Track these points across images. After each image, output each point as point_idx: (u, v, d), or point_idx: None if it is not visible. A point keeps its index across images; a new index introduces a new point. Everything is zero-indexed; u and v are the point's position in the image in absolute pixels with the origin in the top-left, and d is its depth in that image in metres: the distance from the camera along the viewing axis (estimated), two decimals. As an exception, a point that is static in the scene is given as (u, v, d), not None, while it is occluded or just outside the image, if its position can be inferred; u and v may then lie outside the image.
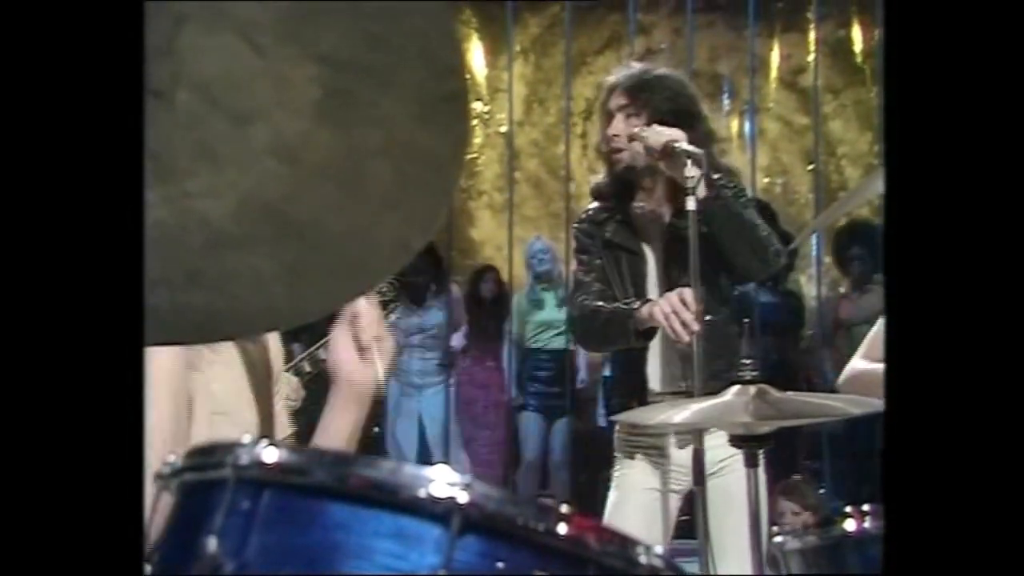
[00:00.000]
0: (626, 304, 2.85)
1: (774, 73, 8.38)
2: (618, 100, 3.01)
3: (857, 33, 8.19)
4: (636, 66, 3.12)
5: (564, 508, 0.83)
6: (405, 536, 0.81)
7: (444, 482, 0.82)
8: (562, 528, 0.82)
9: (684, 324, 2.62)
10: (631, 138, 2.93)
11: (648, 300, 2.81)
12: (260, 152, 0.95)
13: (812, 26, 7.73)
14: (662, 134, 2.82)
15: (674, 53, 7.77)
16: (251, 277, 1.01)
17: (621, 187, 3.04)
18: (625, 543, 0.86)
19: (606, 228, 3.01)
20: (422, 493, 0.81)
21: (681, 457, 2.85)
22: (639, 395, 2.88)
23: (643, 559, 0.85)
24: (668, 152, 2.77)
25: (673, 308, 2.64)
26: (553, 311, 6.61)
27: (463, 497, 0.81)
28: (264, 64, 0.92)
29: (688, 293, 2.63)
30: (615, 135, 2.99)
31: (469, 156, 8.43)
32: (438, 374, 6.37)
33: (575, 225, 3.13)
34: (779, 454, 4.75)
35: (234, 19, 0.91)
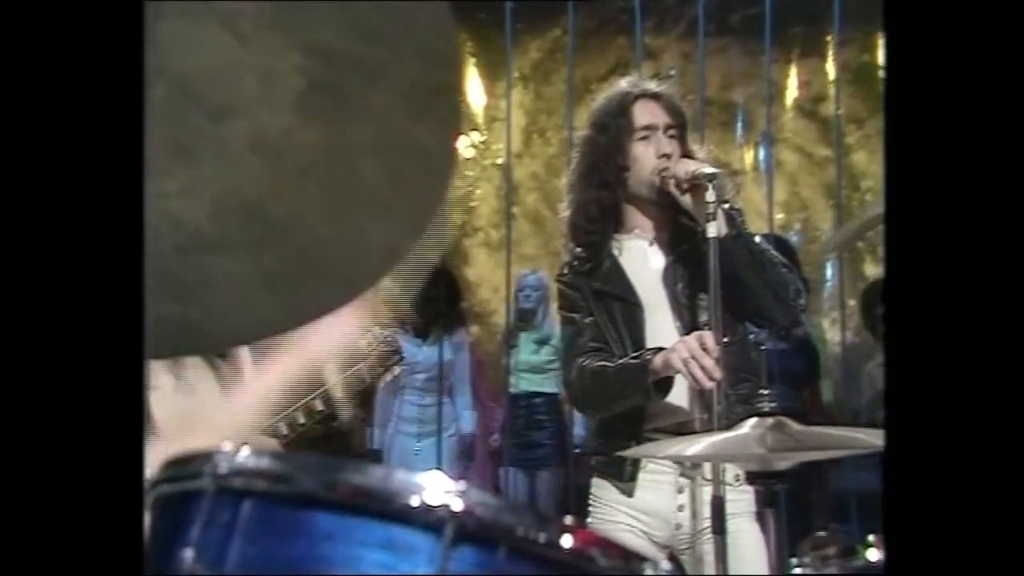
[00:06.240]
0: (635, 357, 2.74)
1: (792, 101, 8.43)
2: (664, 117, 2.89)
3: (882, 58, 8.24)
4: (648, 78, 3.08)
5: (568, 519, 0.84)
6: (396, 546, 0.82)
7: (437, 489, 0.83)
8: (566, 541, 0.84)
9: (705, 371, 2.52)
10: (662, 168, 2.83)
11: (658, 348, 2.70)
12: (240, 149, 0.97)
13: (833, 51, 7.78)
14: (690, 164, 2.76)
15: (684, 80, 7.80)
16: (229, 284, 1.02)
17: (611, 217, 2.94)
18: (631, 558, 0.87)
19: (593, 277, 2.91)
20: (414, 501, 0.83)
21: (644, 502, 2.80)
22: (635, 433, 2.78)
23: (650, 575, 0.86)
24: (694, 183, 2.71)
25: (692, 353, 2.54)
26: (528, 354, 6.58)
27: (457, 504, 0.82)
28: (246, 55, 0.94)
29: (708, 337, 2.55)
30: (666, 155, 2.84)
31: (464, 190, 8.47)
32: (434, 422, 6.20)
33: (557, 279, 3.01)
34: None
35: (215, 8, 0.93)
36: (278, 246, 1.01)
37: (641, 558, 0.87)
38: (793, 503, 4.00)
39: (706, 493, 2.67)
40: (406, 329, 3.77)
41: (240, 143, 0.96)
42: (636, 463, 2.80)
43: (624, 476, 2.81)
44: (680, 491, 2.78)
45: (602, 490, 2.88)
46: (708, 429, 2.57)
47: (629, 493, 2.80)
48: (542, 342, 6.56)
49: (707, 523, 2.63)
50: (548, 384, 6.59)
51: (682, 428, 2.74)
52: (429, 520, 0.82)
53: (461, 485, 0.83)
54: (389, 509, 0.83)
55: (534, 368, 6.57)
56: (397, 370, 3.61)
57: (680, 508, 2.77)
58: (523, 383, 6.48)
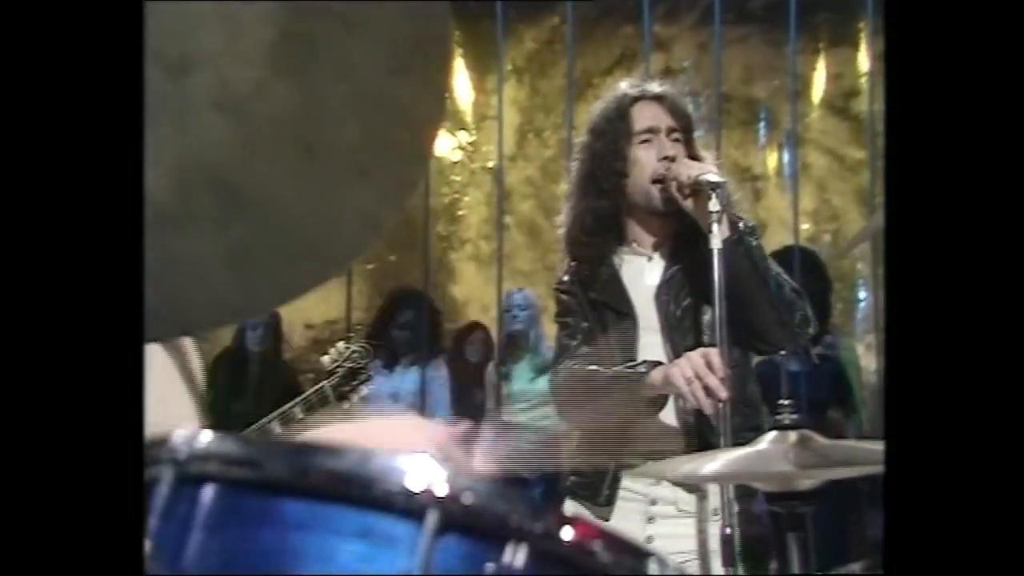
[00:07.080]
0: (631, 367, 2.82)
1: (820, 97, 8.46)
2: (666, 119, 3.00)
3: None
4: (650, 78, 3.16)
5: (568, 510, 0.85)
6: (374, 535, 0.83)
7: (420, 474, 0.84)
8: (567, 533, 0.85)
9: (710, 391, 2.57)
10: (662, 172, 2.93)
11: (657, 362, 2.78)
12: (201, 107, 0.98)
13: (866, 40, 7.81)
14: (693, 168, 2.85)
15: (699, 73, 7.82)
16: (190, 262, 1.03)
17: (610, 228, 3.04)
18: (636, 554, 0.88)
19: (590, 287, 3.02)
20: (394, 486, 0.84)
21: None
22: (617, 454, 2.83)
23: (655, 572, 0.87)
24: (696, 189, 2.79)
25: (697, 372, 2.59)
26: (523, 382, 6.55)
27: (442, 490, 0.83)
28: (209, 1, 0.95)
29: (714, 354, 2.60)
30: (668, 157, 2.95)
31: (450, 197, 8.48)
32: None
33: (556, 286, 3.12)
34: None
35: (174, -51, 0.95)
36: (244, 218, 1.02)
37: (646, 553, 0.89)
38: (826, 542, 4.01)
39: (680, 525, 2.79)
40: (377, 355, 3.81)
41: (202, 101, 0.97)
42: (614, 486, 2.86)
43: (600, 499, 2.85)
44: (650, 520, 2.84)
45: None
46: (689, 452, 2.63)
47: (605, 518, 2.83)
48: (541, 370, 6.55)
49: (682, 556, 2.74)
50: (549, 417, 6.57)
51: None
52: (410, 507, 0.83)
53: (448, 470, 0.84)
54: (366, 495, 0.84)
55: (530, 398, 6.54)
56: (365, 390, 3.64)
57: (649, 540, 2.79)
58: (520, 417, 6.44)
